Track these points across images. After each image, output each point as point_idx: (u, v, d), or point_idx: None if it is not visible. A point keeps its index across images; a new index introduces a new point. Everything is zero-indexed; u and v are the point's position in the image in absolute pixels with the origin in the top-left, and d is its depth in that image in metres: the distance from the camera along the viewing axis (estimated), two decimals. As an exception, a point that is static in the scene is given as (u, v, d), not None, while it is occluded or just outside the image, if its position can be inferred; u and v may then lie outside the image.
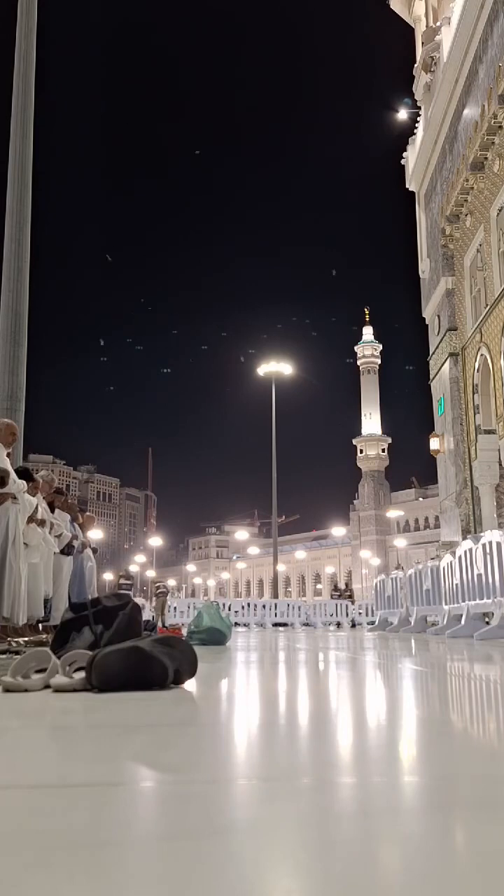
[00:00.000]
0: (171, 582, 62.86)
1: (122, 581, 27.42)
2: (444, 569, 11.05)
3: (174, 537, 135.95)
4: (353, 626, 23.34)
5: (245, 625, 23.22)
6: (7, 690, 2.38)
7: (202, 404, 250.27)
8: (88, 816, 0.92)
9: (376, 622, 15.42)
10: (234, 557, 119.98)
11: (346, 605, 25.67)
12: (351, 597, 28.85)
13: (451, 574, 10.52)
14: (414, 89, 24.70)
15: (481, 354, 18.62)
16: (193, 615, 8.46)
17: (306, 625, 23.60)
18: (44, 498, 7.87)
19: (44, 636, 6.70)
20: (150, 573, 75.95)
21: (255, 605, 25.97)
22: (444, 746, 1.50)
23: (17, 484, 6.44)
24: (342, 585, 39.81)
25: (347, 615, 24.89)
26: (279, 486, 29.89)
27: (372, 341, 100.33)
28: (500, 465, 18.47)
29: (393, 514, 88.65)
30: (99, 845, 0.78)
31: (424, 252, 23.61)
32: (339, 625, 23.55)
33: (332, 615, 24.82)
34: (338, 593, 29.70)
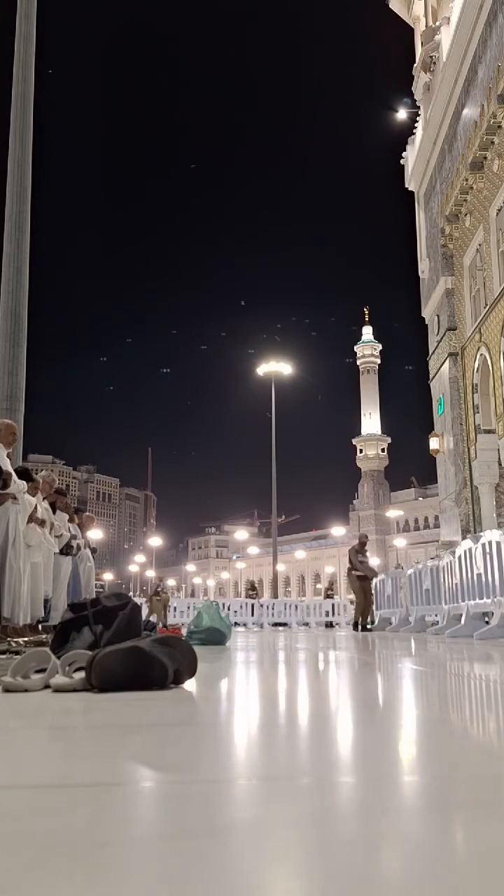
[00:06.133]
0: (171, 582, 62.81)
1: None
2: (443, 568, 11.05)
3: (174, 537, 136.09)
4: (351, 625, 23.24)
5: (244, 625, 23.23)
6: (7, 690, 2.38)
7: (202, 404, 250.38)
8: (88, 816, 0.92)
9: (376, 622, 15.41)
10: (234, 557, 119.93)
11: (343, 605, 25.62)
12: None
13: (451, 574, 10.51)
14: (413, 89, 24.70)
15: (481, 354, 18.61)
16: (193, 615, 8.45)
17: (304, 624, 23.57)
18: (45, 498, 7.87)
19: (43, 636, 6.70)
20: (150, 573, 75.96)
21: (255, 605, 25.93)
22: (444, 746, 1.50)
23: (17, 484, 6.44)
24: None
25: (344, 614, 24.79)
26: (279, 486, 29.89)
27: (371, 341, 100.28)
28: (500, 464, 18.46)
29: (392, 513, 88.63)
30: (99, 845, 0.78)
31: (424, 252, 23.60)
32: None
33: (327, 614, 24.78)
34: (332, 593, 29.90)
